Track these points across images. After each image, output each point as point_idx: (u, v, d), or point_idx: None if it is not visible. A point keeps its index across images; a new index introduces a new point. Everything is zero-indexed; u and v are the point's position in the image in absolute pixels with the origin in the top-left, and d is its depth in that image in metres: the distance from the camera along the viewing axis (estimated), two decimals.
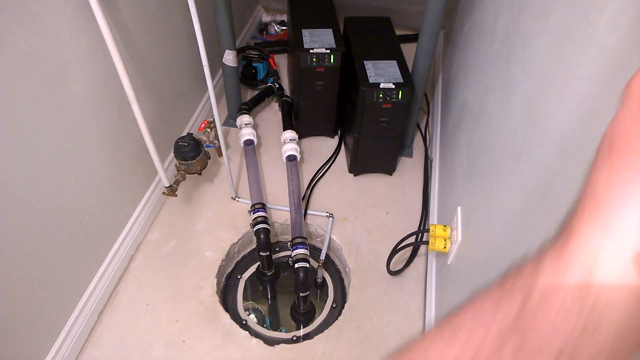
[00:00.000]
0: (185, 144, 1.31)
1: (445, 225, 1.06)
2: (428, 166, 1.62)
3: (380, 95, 1.34)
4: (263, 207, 1.35)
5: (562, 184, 0.52)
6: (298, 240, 1.27)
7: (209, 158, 1.41)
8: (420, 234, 1.23)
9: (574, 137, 0.51)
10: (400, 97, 1.35)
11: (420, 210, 1.50)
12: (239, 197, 1.49)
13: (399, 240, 1.26)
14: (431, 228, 1.06)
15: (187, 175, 1.34)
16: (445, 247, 1.02)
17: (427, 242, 1.08)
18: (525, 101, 0.70)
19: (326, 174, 1.60)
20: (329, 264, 1.43)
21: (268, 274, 1.38)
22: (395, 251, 1.25)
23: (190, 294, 1.26)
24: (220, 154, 1.58)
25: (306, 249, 1.25)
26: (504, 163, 0.76)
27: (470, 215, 0.96)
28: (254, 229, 1.31)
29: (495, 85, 0.90)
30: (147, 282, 1.29)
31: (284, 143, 1.55)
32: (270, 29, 2.09)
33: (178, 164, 1.33)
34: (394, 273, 1.28)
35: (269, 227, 1.31)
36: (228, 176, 1.41)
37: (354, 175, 1.59)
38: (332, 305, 1.34)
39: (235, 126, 1.67)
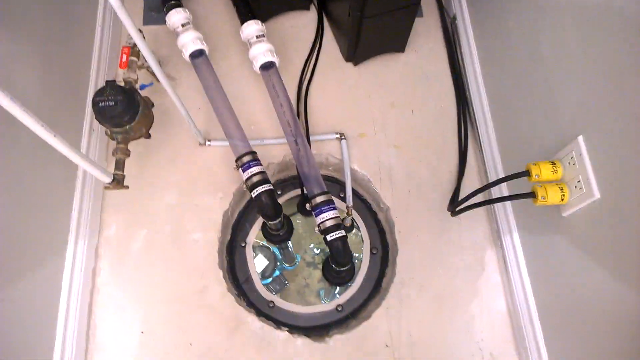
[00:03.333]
0: (111, 102, 0.80)
1: (553, 162, 0.71)
2: (449, 28, 1.17)
3: None
4: (254, 157, 0.93)
5: None
6: (320, 199, 0.90)
7: (153, 105, 0.92)
8: (511, 178, 0.79)
9: None
10: None
11: (454, 97, 1.11)
12: (209, 141, 1.05)
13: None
14: (532, 170, 0.71)
15: (128, 145, 0.87)
16: (563, 199, 0.69)
17: (531, 195, 0.72)
18: None
19: (315, 71, 1.14)
20: (354, 198, 1.09)
21: (281, 233, 1.05)
22: (460, 204, 0.90)
23: (194, 302, 0.93)
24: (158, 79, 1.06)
25: (335, 208, 0.90)
26: None
27: (623, 158, 0.60)
28: (253, 194, 0.91)
29: None
30: (128, 299, 0.93)
31: (250, 44, 1.03)
32: None
33: (110, 133, 0.85)
34: (457, 213, 0.95)
35: (272, 187, 0.92)
36: (186, 116, 0.94)
37: (354, 65, 1.14)
38: (371, 252, 1.06)
39: (161, 23, 1.11)
